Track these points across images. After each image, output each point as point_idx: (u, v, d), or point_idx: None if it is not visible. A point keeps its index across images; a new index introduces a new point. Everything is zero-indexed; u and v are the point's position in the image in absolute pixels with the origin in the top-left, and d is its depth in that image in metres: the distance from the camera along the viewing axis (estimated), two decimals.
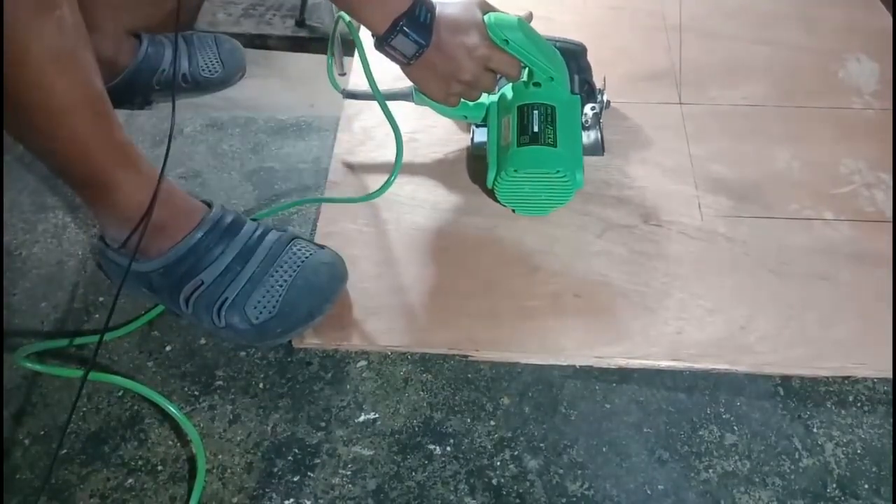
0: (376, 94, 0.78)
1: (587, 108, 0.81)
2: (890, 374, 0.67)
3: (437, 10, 0.70)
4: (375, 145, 0.88)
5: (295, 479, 0.62)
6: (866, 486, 0.61)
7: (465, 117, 0.82)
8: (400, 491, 0.61)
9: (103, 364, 0.69)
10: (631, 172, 0.84)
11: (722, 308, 0.71)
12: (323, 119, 0.93)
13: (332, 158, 0.86)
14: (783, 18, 1.04)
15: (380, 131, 0.89)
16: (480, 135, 0.86)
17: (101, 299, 0.74)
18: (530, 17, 0.75)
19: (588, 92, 0.81)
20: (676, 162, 0.85)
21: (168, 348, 0.70)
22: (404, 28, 0.68)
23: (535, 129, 0.73)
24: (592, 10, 1.06)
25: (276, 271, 0.67)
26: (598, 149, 0.85)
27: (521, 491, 0.61)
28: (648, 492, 0.61)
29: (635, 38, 1.02)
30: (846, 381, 0.68)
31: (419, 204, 0.81)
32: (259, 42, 1.11)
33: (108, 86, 0.60)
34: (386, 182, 0.80)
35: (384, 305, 0.72)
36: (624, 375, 0.68)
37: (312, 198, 0.83)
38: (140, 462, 0.63)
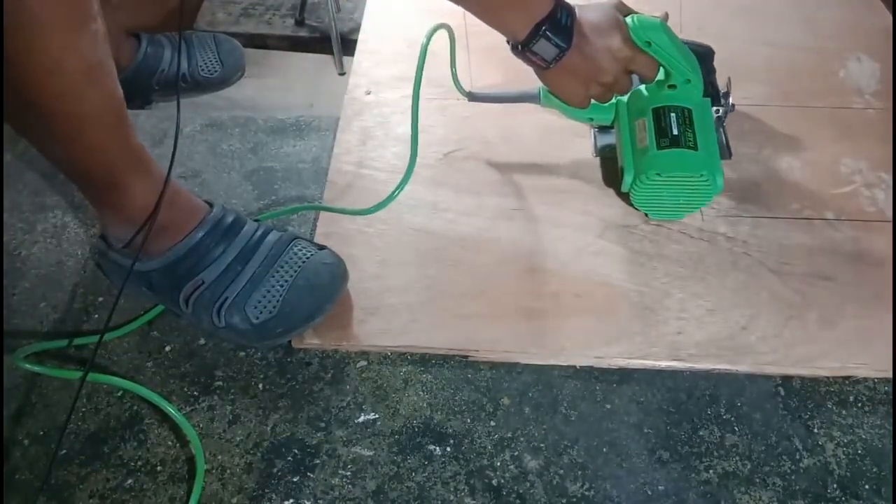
0: (413, 111, 0.77)
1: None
2: (890, 374, 0.67)
3: (577, 12, 0.70)
4: (375, 145, 0.87)
5: (294, 480, 0.62)
6: (867, 487, 0.61)
7: (592, 119, 0.81)
8: (400, 491, 0.61)
9: (102, 364, 0.69)
10: None
11: (722, 308, 0.71)
12: (322, 119, 0.93)
13: (331, 158, 0.86)
14: (783, 18, 1.04)
15: (379, 131, 0.89)
16: (606, 137, 0.85)
17: (100, 299, 0.74)
18: (667, 17, 0.74)
19: (712, 94, 0.80)
20: None
21: (167, 348, 0.70)
22: (547, 32, 0.68)
23: (675, 131, 0.73)
24: None
25: (277, 271, 0.67)
26: (724, 152, 0.84)
27: (521, 491, 0.61)
28: (649, 492, 0.61)
29: None
30: (847, 381, 0.68)
31: (419, 204, 0.81)
32: (258, 42, 1.11)
33: None
34: (389, 196, 0.80)
35: (384, 305, 0.72)
36: (624, 375, 0.68)
37: (321, 205, 0.81)
38: (139, 462, 0.63)
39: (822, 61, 0.98)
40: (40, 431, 0.65)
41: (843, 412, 0.66)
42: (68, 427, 0.64)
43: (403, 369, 0.69)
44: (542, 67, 0.72)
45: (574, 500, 0.61)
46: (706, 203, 0.76)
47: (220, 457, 0.63)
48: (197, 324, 0.69)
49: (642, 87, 0.77)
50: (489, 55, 0.93)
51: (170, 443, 0.64)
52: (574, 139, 0.87)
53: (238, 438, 0.64)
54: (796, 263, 0.75)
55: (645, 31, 0.70)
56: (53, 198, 0.83)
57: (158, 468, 0.62)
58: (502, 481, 0.62)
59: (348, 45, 1.05)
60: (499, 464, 0.63)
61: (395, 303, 0.72)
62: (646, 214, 0.79)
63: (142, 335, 0.71)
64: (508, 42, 0.72)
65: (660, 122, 0.74)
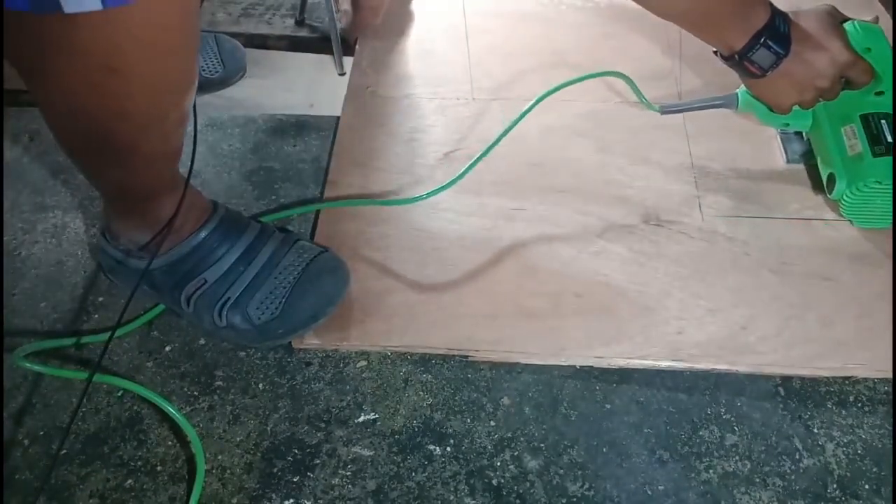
0: (504, 131, 0.78)
1: None
2: (890, 374, 0.67)
3: (791, 17, 0.70)
4: (376, 145, 0.87)
5: (295, 480, 0.62)
6: (867, 487, 0.61)
7: (788, 125, 0.81)
8: (400, 491, 0.61)
9: (102, 364, 0.69)
10: (631, 172, 0.84)
11: (722, 308, 0.71)
12: (323, 119, 0.93)
13: (331, 158, 0.86)
14: None
15: (381, 131, 0.89)
16: (797, 144, 0.84)
17: (100, 299, 0.74)
18: (877, 20, 0.74)
19: None
20: (677, 162, 0.85)
21: (168, 348, 0.70)
22: (767, 41, 0.69)
23: (890, 139, 0.72)
24: (593, 10, 1.06)
25: (280, 273, 0.67)
26: None
27: (521, 491, 0.61)
28: (649, 492, 0.61)
29: (636, 38, 1.02)
30: (847, 382, 0.68)
31: (419, 204, 0.81)
32: (258, 41, 1.11)
33: None
34: (436, 188, 0.79)
35: (384, 305, 0.72)
36: (624, 375, 0.68)
37: (346, 200, 0.80)
38: (139, 462, 0.63)
39: None
40: (41, 431, 0.65)
41: (843, 412, 0.66)
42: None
43: (403, 369, 0.69)
44: (758, 76, 0.72)
45: (574, 499, 0.61)
46: None
47: (220, 457, 0.63)
48: (197, 323, 0.70)
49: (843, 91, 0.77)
50: (490, 54, 0.93)
51: (170, 443, 0.64)
52: (574, 139, 0.87)
53: (238, 438, 0.64)
54: (796, 263, 0.75)
55: (867, 38, 0.71)
56: (53, 198, 0.83)
57: (158, 468, 0.62)
58: (502, 481, 0.62)
59: (348, 45, 1.05)
60: (499, 464, 0.63)
61: (395, 303, 0.72)
62: (850, 222, 0.78)
63: (142, 335, 0.71)
64: (717, 53, 0.73)
65: (870, 129, 0.73)
